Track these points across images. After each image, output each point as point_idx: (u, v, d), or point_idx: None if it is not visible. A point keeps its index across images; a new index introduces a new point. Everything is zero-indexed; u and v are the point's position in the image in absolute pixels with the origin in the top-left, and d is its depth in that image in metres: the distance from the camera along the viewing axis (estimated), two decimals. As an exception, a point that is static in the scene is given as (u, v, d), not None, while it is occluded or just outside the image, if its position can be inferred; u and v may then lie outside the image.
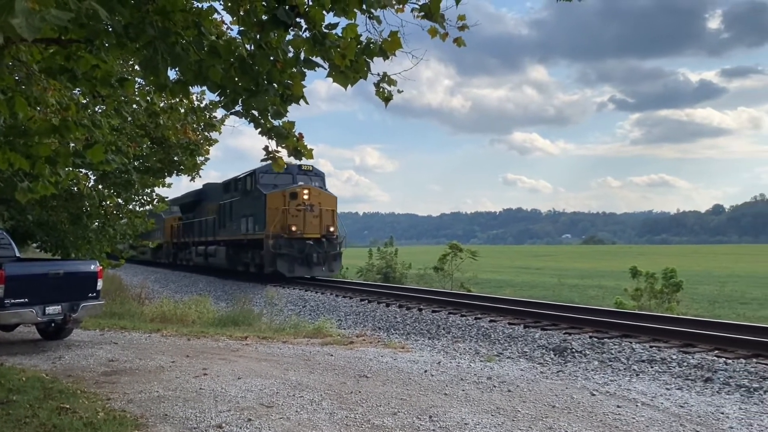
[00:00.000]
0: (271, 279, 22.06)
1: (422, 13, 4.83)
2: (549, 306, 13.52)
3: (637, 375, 7.88)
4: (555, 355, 9.13)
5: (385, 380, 7.31)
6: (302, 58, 4.24)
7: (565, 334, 10.10)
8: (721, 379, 7.31)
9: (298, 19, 3.97)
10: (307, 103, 4.45)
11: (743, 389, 6.95)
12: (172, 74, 4.26)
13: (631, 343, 9.15)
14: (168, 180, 13.40)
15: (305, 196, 21.52)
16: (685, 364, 7.99)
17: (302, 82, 4.28)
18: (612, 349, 8.95)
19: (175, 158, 12.64)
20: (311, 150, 4.76)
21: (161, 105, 10.53)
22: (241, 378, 7.27)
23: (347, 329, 12.59)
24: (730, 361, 7.88)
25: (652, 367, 8.07)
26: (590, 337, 9.72)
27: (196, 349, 9.59)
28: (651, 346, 8.87)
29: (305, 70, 4.24)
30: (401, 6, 5.05)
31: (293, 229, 20.98)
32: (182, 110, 11.09)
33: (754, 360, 7.90)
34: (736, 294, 26.40)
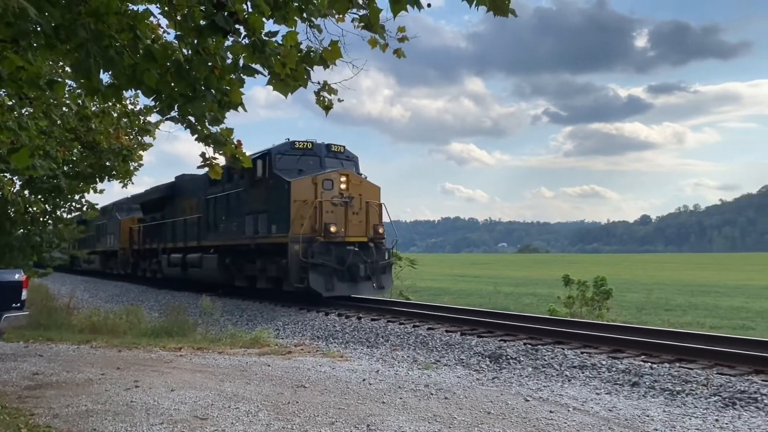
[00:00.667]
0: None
1: (362, 24, 4.87)
2: (485, 314, 13.77)
3: (569, 381, 8.11)
4: (491, 361, 9.29)
5: (323, 390, 7.27)
6: (241, 64, 4.20)
7: (500, 341, 10.30)
8: (647, 383, 7.61)
9: (237, 26, 3.94)
10: (245, 110, 4.41)
11: (667, 392, 7.25)
12: (105, 77, 4.14)
13: (563, 349, 9.41)
14: (99, 186, 12.96)
15: (343, 185, 15.83)
16: (614, 369, 8.27)
17: (241, 89, 4.25)
18: (545, 355, 9.18)
19: (107, 163, 12.24)
20: (249, 158, 4.71)
21: (93, 108, 10.19)
22: (175, 390, 7.08)
23: (285, 339, 12.46)
24: (655, 365, 8.21)
25: (583, 373, 8.32)
26: (524, 344, 9.94)
27: (127, 360, 9.29)
28: (582, 352, 9.16)
29: (244, 77, 4.21)
30: (341, 16, 5.08)
31: (332, 230, 15.27)
32: (115, 114, 10.76)
33: (677, 364, 8.26)
34: (662, 301, 27.54)
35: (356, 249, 15.43)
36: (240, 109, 4.39)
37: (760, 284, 40.57)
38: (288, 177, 15.97)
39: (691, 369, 7.94)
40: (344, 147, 17.43)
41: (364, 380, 7.91)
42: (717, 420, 6.15)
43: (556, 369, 8.59)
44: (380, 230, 16.19)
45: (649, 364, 8.32)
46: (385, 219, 16.50)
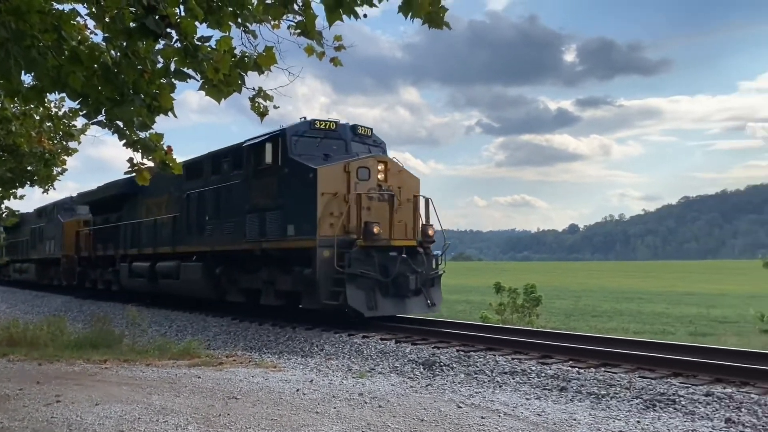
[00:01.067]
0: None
1: (299, 31, 4.86)
2: (419, 321, 13.86)
3: (500, 386, 8.27)
4: (424, 369, 9.37)
5: (255, 401, 7.15)
6: (173, 69, 4.11)
7: (434, 348, 10.40)
8: (575, 388, 7.85)
9: (168, 29, 3.85)
10: (175, 116, 4.31)
11: (593, 396, 7.50)
12: (27, 79, 3.97)
13: (494, 355, 9.59)
14: (20, 191, 12.38)
15: (381, 175, 12.87)
16: (543, 374, 8.49)
17: (171, 94, 4.15)
18: (477, 362, 9.33)
19: (29, 168, 11.70)
20: (180, 165, 4.61)
21: (13, 110, 9.73)
22: (99, 404, 6.80)
23: (217, 350, 12.19)
24: (582, 370, 8.48)
25: (513, 379, 8.50)
26: (457, 350, 10.08)
27: (48, 374, 8.86)
28: (513, 358, 9.36)
29: (176, 82, 4.12)
30: (277, 22, 5.06)
31: (376, 231, 12.22)
32: (37, 117, 10.30)
33: (603, 369, 8.56)
34: (589, 308, 28.50)
35: (404, 256, 12.43)
36: (170, 114, 4.29)
37: (680, 291, 42.64)
38: (312, 163, 12.68)
39: (616, 373, 8.24)
40: (371, 130, 14.44)
41: (297, 390, 7.83)
42: (639, 422, 6.40)
43: (488, 375, 8.74)
44: (430, 232, 13.28)
45: (577, 369, 8.58)
46: (433, 218, 13.57)
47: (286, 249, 13.11)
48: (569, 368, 8.65)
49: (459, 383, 8.51)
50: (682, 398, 7.03)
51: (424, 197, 13.45)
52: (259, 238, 13.73)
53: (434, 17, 4.63)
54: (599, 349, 9.53)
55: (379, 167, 12.91)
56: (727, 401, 6.81)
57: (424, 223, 13.34)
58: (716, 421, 6.34)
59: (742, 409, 6.55)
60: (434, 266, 13.27)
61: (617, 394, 7.45)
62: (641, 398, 7.21)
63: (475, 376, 8.79)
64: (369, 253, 12.14)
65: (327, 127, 13.66)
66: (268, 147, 13.23)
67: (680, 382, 7.67)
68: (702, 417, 6.51)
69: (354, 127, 14.06)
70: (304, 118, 13.78)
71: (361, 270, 11.95)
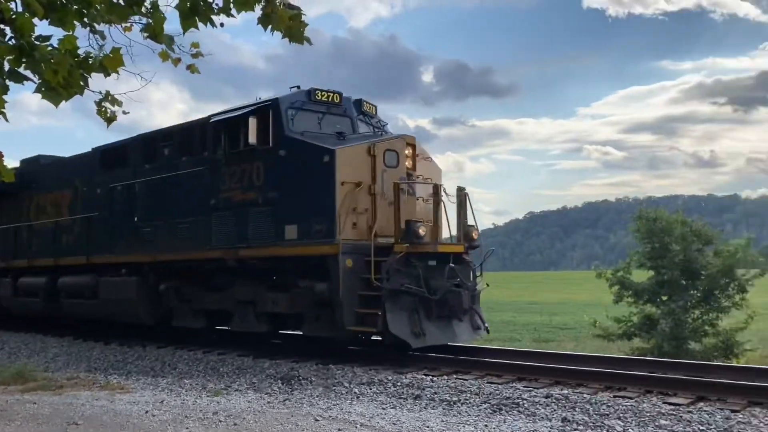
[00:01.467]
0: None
1: (147, 34, 4.67)
2: (278, 336, 13.57)
3: (357, 398, 8.35)
4: (282, 383, 9.25)
5: (98, 425, 6.69)
6: (6, 69, 3.78)
7: (293, 362, 10.31)
8: (428, 396, 8.12)
9: (2, 26, 3.54)
10: (6, 120, 3.96)
11: (445, 403, 7.80)
12: None
13: (352, 367, 9.68)
14: None
15: (409, 162, 10.44)
16: (398, 383, 8.70)
17: (4, 96, 3.81)
18: (336, 374, 9.38)
19: None
20: (12, 171, 4.24)
21: None
22: None
23: (56, 372, 11.24)
24: (435, 378, 8.80)
25: (370, 389, 8.63)
26: (316, 363, 10.06)
27: None
28: (370, 369, 9.50)
29: (9, 83, 3.78)
30: (129, 24, 4.82)
31: (421, 232, 9.62)
32: None
33: (454, 376, 8.94)
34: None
35: (452, 265, 9.88)
36: (1, 117, 3.93)
37: (526, 300, 45.65)
38: (325, 143, 9.95)
39: (467, 380, 8.64)
40: (376, 108, 11.76)
41: (146, 412, 7.42)
42: (486, 426, 6.75)
43: (346, 387, 8.80)
44: (474, 235, 10.46)
45: (431, 377, 8.90)
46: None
47: (282, 257, 10.18)
48: (423, 377, 8.94)
49: (317, 396, 8.49)
50: (525, 401, 7.51)
51: (460, 189, 10.48)
52: (233, 243, 10.66)
53: (294, 32, 4.66)
54: (451, 357, 9.95)
55: (407, 152, 10.35)
56: (563, 402, 7.37)
57: (466, 221, 10.47)
58: (554, 421, 6.84)
59: (576, 409, 7.12)
60: (472, 278, 10.54)
61: (467, 400, 7.81)
62: (489, 403, 7.61)
63: (334, 388, 8.82)
64: (410, 261, 9.49)
65: (330, 99, 10.91)
66: (252, 122, 10.19)
67: (524, 386, 8.20)
68: (542, 418, 7.00)
69: (359, 103, 11.35)
70: (297, 87, 10.96)
71: (404, 284, 9.33)
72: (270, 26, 4.45)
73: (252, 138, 10.18)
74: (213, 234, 11.05)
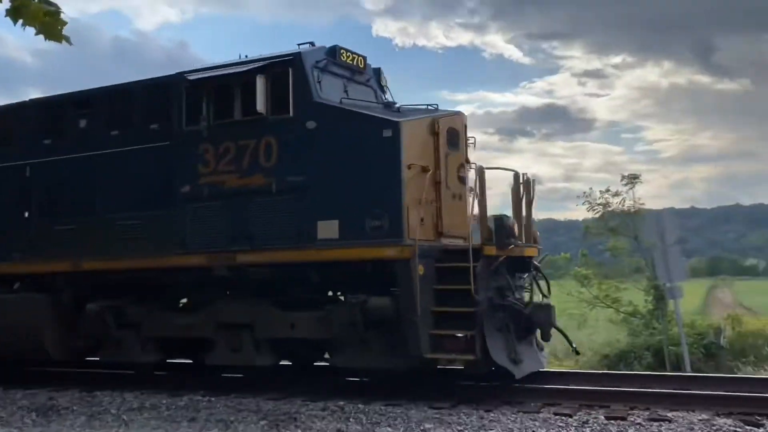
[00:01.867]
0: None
1: None
2: (30, 362, 10.95)
3: (126, 424, 7.80)
4: (38, 416, 8.34)
5: None
6: None
7: (53, 391, 9.40)
8: (204, 417, 7.86)
9: None
10: None
11: (222, 423, 7.61)
12: None
13: (122, 392, 9.06)
14: None
15: (464, 144, 8.73)
16: (173, 407, 8.32)
17: None
18: (103, 401, 8.73)
19: None
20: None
21: None
22: None
23: None
24: (213, 398, 8.56)
25: (141, 415, 8.13)
26: (80, 391, 9.27)
27: None
28: (142, 393, 8.96)
29: None
30: None
31: (516, 231, 7.78)
32: None
33: (233, 395, 8.75)
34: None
35: (535, 272, 8.36)
36: None
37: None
38: (379, 113, 8.17)
39: (245, 398, 8.51)
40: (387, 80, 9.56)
41: None
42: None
43: (113, 414, 8.20)
44: (537, 235, 8.64)
45: (208, 398, 8.63)
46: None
47: (310, 264, 7.99)
48: (200, 398, 8.64)
49: (79, 426, 7.79)
50: (302, 415, 7.60)
51: (524, 175, 8.29)
52: (225, 245, 8.29)
53: (50, 29, 4.25)
54: (228, 376, 9.70)
55: (470, 137, 8.72)
56: (339, 413, 7.60)
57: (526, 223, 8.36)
58: (329, 433, 7.01)
59: (351, 419, 7.38)
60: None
61: (245, 418, 7.69)
62: (267, 420, 7.57)
63: (99, 416, 8.16)
64: (496, 268, 7.65)
65: (355, 62, 8.91)
66: (261, 83, 7.90)
67: (302, 401, 8.28)
68: (318, 430, 7.13)
69: (378, 71, 9.36)
70: (311, 43, 8.67)
71: (501, 298, 7.65)
72: (21, 20, 4.03)
73: (260, 105, 7.95)
74: (188, 233, 8.54)
